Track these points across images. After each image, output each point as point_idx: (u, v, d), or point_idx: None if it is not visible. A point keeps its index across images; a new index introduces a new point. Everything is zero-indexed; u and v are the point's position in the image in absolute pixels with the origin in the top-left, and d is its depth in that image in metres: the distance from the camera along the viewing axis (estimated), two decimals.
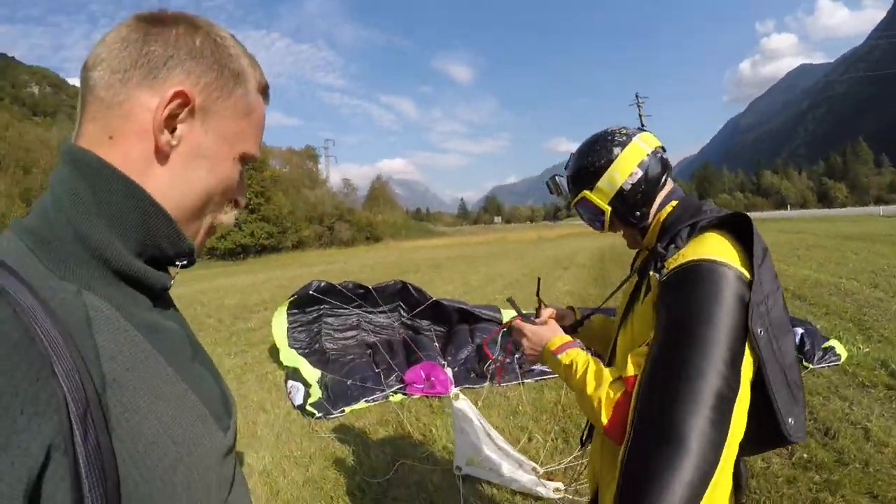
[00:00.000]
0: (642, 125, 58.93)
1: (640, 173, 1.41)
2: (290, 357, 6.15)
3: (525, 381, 5.50)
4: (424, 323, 7.04)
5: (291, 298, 6.51)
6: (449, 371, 5.62)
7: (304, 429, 4.60)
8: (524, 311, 1.74)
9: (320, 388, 5.41)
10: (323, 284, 6.55)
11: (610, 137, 1.46)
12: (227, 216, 0.79)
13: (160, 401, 0.60)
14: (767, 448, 1.35)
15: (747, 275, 1.17)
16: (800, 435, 1.19)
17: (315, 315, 6.73)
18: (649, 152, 1.43)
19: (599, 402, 1.23)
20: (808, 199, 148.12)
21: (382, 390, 5.29)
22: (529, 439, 4.12)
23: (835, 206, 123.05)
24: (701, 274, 1.17)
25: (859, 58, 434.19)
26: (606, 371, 1.29)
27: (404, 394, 5.29)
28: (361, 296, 6.81)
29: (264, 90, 0.79)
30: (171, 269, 0.74)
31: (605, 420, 1.21)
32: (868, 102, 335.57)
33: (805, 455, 3.62)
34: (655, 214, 1.46)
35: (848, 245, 16.87)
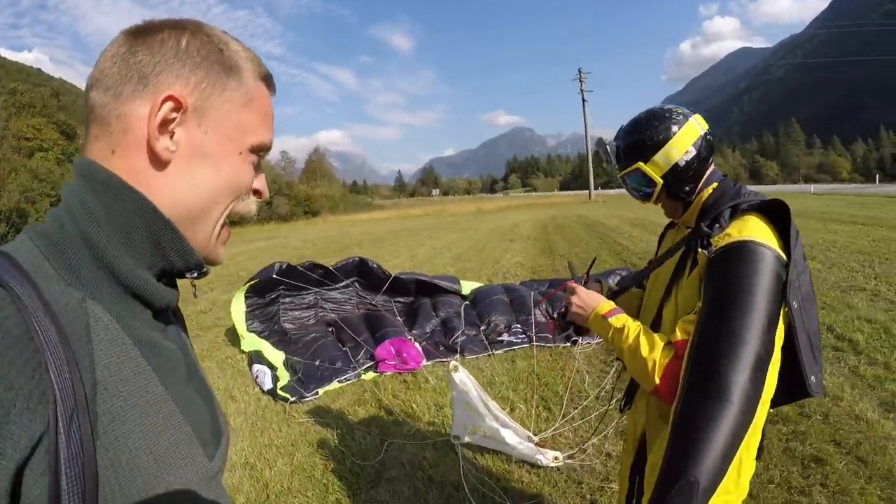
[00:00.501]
0: (584, 100, 59.73)
1: (694, 152, 1.51)
2: (250, 340, 5.97)
3: (495, 352, 5.56)
4: (381, 299, 6.98)
5: (252, 283, 6.28)
6: (417, 345, 5.62)
7: (279, 415, 4.48)
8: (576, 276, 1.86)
9: (287, 370, 5.27)
10: (284, 266, 6.35)
11: (668, 115, 1.53)
12: (246, 204, 0.76)
13: (147, 416, 0.60)
14: (791, 401, 1.51)
15: (783, 255, 1.32)
16: (818, 390, 1.39)
17: (272, 297, 6.54)
18: (702, 133, 1.52)
19: (654, 364, 1.36)
20: (740, 176, 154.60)
21: (354, 369, 5.22)
22: (512, 409, 4.16)
23: (765, 183, 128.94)
24: (745, 253, 1.30)
25: (798, 45, 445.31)
26: (657, 336, 1.40)
27: (376, 371, 5.24)
28: (322, 275, 6.65)
29: (266, 78, 0.77)
30: (188, 278, 0.75)
31: (657, 380, 1.35)
32: (803, 88, 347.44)
33: (771, 410, 3.82)
34: (697, 192, 1.56)
35: None
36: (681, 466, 1.20)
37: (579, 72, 60.35)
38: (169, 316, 0.76)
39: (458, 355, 5.52)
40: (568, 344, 5.61)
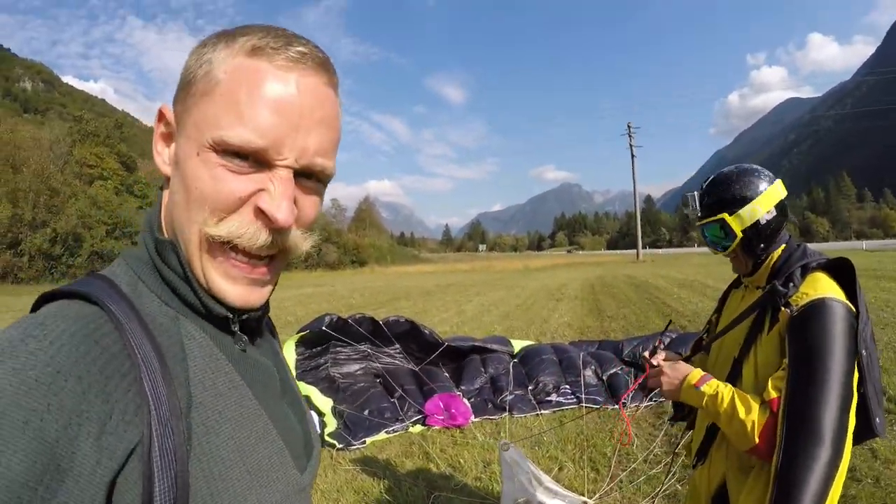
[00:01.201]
0: (633, 155, 59.55)
1: (775, 213, 1.64)
2: (298, 385, 6.08)
3: (543, 411, 5.53)
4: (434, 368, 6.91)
5: (302, 334, 6.41)
6: (466, 401, 5.64)
7: (325, 461, 4.54)
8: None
9: (335, 417, 5.35)
10: (335, 319, 6.37)
11: (757, 174, 1.66)
12: (244, 231, 0.60)
13: (241, 430, 0.62)
14: (860, 441, 1.56)
15: (852, 308, 1.46)
16: (882, 431, 1.52)
17: (322, 348, 6.60)
18: (783, 197, 1.65)
19: (753, 424, 1.45)
20: (790, 234, 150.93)
21: (402, 421, 5.27)
22: (560, 469, 4.14)
23: (816, 241, 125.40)
24: (824, 310, 1.43)
25: (847, 93, 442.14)
26: (750, 397, 1.49)
27: (424, 425, 5.28)
28: (372, 332, 6.61)
29: (258, 49, 0.60)
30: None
31: (756, 441, 1.44)
32: (853, 138, 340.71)
33: None
34: (770, 251, 1.66)
35: None
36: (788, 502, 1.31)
37: (628, 127, 60.18)
38: (263, 331, 0.78)
39: (506, 413, 5.51)
40: (616, 406, 5.55)
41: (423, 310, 15.53)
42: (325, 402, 5.60)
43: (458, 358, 6.90)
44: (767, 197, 1.62)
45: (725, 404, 1.51)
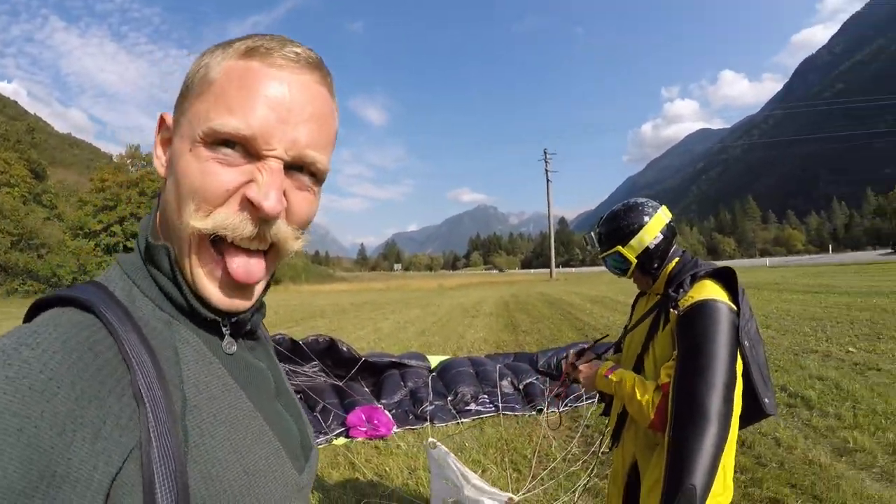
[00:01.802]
0: (548, 179, 61.31)
1: (661, 237, 1.92)
2: None
3: (463, 420, 5.71)
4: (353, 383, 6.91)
5: None
6: (388, 413, 5.74)
7: None
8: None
9: None
10: None
11: (641, 207, 1.95)
12: (228, 222, 0.60)
13: (237, 431, 0.62)
14: (754, 421, 1.86)
15: (734, 307, 1.70)
16: (773, 410, 1.77)
17: None
18: (667, 222, 1.94)
19: (648, 403, 1.70)
20: (698, 252, 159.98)
21: (325, 434, 5.30)
22: (483, 471, 4.32)
23: (723, 258, 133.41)
24: (706, 309, 1.66)
25: (754, 125, 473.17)
26: (648, 382, 1.75)
27: (347, 437, 5.33)
28: (291, 350, 6.59)
29: (250, 52, 0.63)
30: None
31: (651, 416, 1.69)
32: (759, 166, 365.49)
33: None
34: (664, 267, 1.93)
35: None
36: (681, 478, 1.49)
37: (545, 152, 62.20)
38: (256, 334, 0.79)
39: (427, 423, 5.65)
40: (534, 413, 5.82)
41: (340, 327, 15.46)
42: None
43: (377, 373, 6.99)
44: (652, 226, 1.90)
45: (628, 388, 1.77)
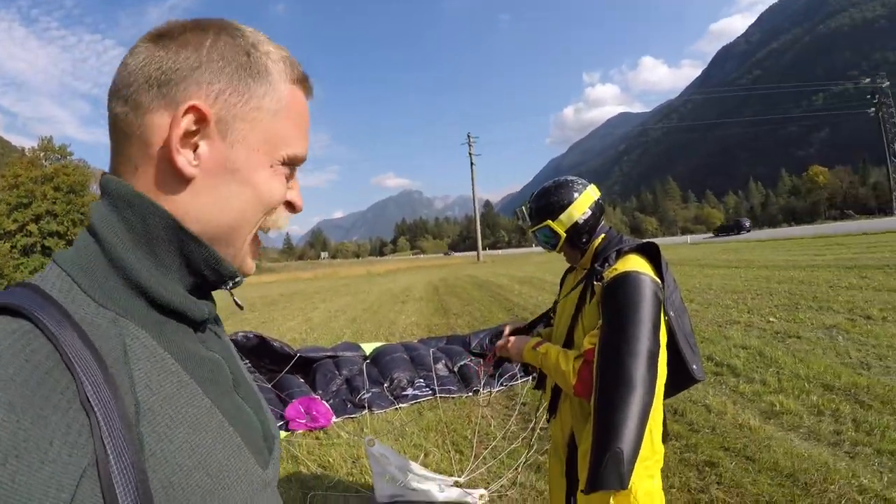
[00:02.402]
0: (472, 163, 61.73)
1: (590, 213, 2.00)
2: None
3: (401, 405, 5.78)
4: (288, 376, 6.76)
5: None
6: (326, 403, 5.74)
7: None
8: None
9: None
10: None
11: (571, 184, 2.03)
12: (275, 219, 0.71)
13: (196, 432, 0.58)
14: (685, 387, 1.97)
15: (658, 280, 1.76)
16: (701, 375, 1.87)
17: None
18: (595, 199, 2.03)
19: (569, 371, 1.77)
20: (621, 231, 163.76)
21: None
22: (426, 455, 4.40)
23: (646, 237, 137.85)
24: (630, 280, 1.72)
25: (673, 109, 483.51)
26: (570, 352, 1.84)
27: (287, 430, 5.30)
28: None
29: (301, 81, 0.72)
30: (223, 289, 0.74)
31: (573, 382, 1.76)
32: (679, 148, 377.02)
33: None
34: (591, 242, 2.02)
35: None
36: (607, 441, 1.54)
37: (468, 136, 62.38)
38: (208, 327, 0.74)
39: (366, 411, 5.69)
40: (470, 394, 5.95)
41: (270, 319, 15.23)
42: None
43: (311, 364, 6.92)
44: (581, 202, 1.99)
45: (553, 359, 1.86)
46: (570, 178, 2.09)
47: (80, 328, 0.53)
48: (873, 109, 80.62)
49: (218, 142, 0.63)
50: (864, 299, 9.13)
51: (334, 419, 5.50)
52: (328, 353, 7.01)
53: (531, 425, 3.96)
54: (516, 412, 5.11)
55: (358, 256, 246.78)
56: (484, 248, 61.89)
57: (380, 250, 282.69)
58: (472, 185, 63.15)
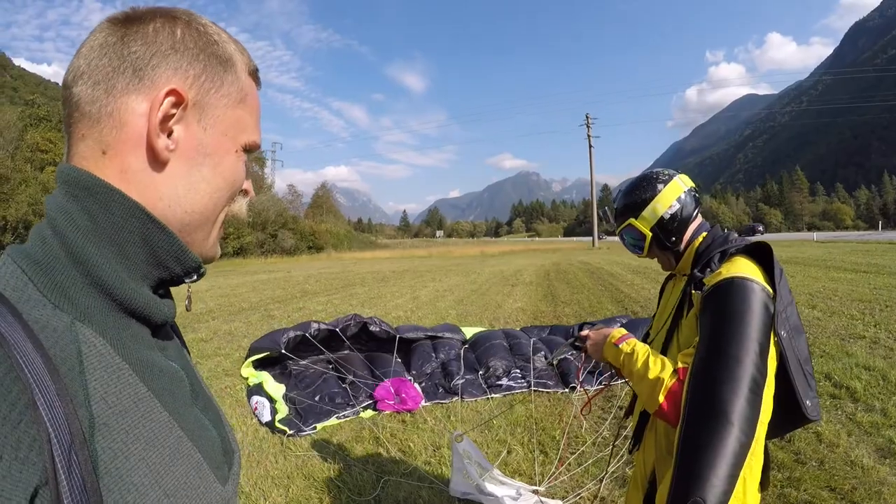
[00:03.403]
0: (590, 146, 60.64)
1: (678, 206, 1.71)
2: (251, 372, 6.01)
3: (493, 395, 5.59)
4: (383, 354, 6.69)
5: (258, 357, 6.02)
6: (417, 386, 5.67)
7: (276, 447, 4.50)
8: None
9: (286, 403, 5.31)
10: (291, 336, 5.99)
11: (655, 176, 1.76)
12: (240, 207, 0.74)
13: (152, 448, 0.55)
14: (793, 427, 1.64)
15: (770, 289, 1.45)
16: (815, 414, 1.50)
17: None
18: (685, 190, 1.73)
19: (660, 384, 1.47)
20: (743, 224, 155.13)
21: (353, 406, 5.26)
22: (508, 452, 4.20)
23: (769, 231, 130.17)
24: (735, 287, 1.43)
25: (802, 91, 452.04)
26: (665, 359, 1.52)
27: (375, 410, 5.28)
28: (327, 340, 6.29)
29: (254, 73, 0.74)
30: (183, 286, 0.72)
31: (661, 400, 1.46)
32: (807, 135, 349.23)
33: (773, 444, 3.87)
34: (689, 243, 1.73)
35: (785, 269, 18.03)
36: (688, 488, 1.27)
37: (586, 117, 61.25)
38: (168, 331, 0.71)
39: (456, 398, 5.55)
40: (566, 390, 5.65)
41: (378, 295, 15.52)
42: (277, 389, 5.55)
43: (409, 344, 6.89)
44: (666, 194, 1.71)
45: (640, 363, 1.55)
46: (656, 169, 1.81)
47: (31, 331, 0.50)
48: None
49: (193, 126, 0.64)
50: None
51: (423, 403, 5.42)
52: (428, 334, 6.93)
53: (622, 433, 3.61)
54: (611, 416, 4.76)
55: (473, 236, 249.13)
56: (600, 235, 60.36)
57: (495, 231, 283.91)
58: (591, 167, 61.74)
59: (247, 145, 0.71)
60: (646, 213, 1.73)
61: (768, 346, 1.39)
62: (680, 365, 1.48)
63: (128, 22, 0.63)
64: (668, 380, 1.46)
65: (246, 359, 6.21)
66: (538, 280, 18.83)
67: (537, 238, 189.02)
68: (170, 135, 0.62)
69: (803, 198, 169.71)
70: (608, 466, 3.44)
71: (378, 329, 6.47)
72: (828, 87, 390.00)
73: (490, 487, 3.27)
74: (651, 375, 1.49)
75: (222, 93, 0.67)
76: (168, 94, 0.60)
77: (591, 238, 64.93)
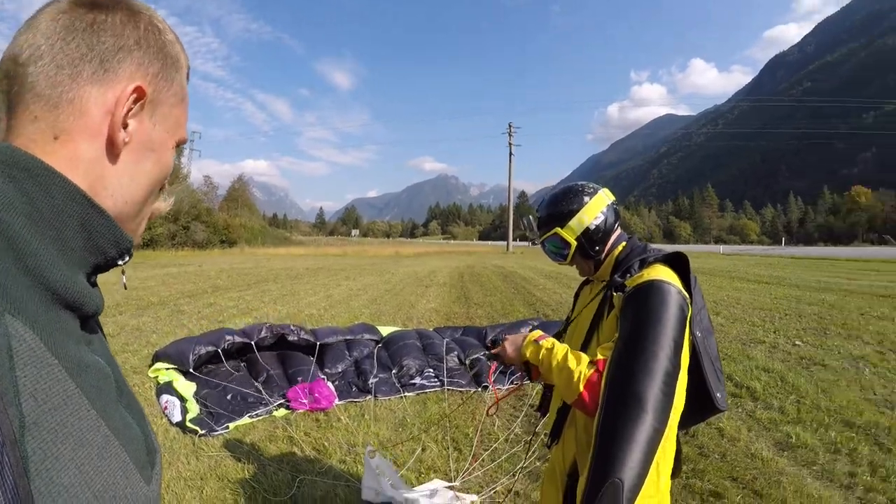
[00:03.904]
0: (511, 153, 61.84)
1: (602, 217, 1.83)
2: (160, 370, 5.82)
3: (407, 394, 5.69)
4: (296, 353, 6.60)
5: (171, 368, 5.82)
6: (330, 385, 5.69)
7: (188, 447, 4.38)
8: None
9: (197, 402, 5.19)
10: (202, 353, 5.87)
11: (580, 188, 1.87)
12: (165, 203, 0.77)
13: (82, 448, 0.52)
14: (706, 417, 1.79)
15: (686, 294, 1.60)
16: (724, 405, 1.69)
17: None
18: (608, 203, 1.86)
19: (579, 374, 1.58)
20: (654, 235, 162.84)
21: (266, 405, 5.21)
22: (423, 449, 4.29)
23: (678, 243, 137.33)
24: (655, 289, 1.57)
25: (719, 115, 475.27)
26: (582, 354, 1.64)
27: (288, 409, 5.25)
28: (241, 351, 6.29)
29: (188, 70, 0.77)
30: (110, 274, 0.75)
31: (581, 389, 1.56)
32: (720, 156, 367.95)
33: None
34: (609, 252, 1.86)
35: None
36: (606, 470, 1.37)
37: (509, 126, 62.53)
38: (93, 324, 0.67)
39: (370, 396, 5.61)
40: (479, 389, 5.83)
41: (291, 292, 15.26)
42: (187, 388, 5.41)
43: (325, 345, 6.87)
44: (592, 206, 1.83)
45: (559, 356, 1.65)
46: (580, 182, 1.93)
47: None
48: None
49: (146, 122, 0.67)
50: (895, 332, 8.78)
51: (337, 402, 5.44)
52: (346, 338, 6.90)
53: (533, 432, 3.78)
54: (523, 413, 4.97)
55: (388, 236, 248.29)
56: (515, 240, 61.78)
57: (411, 232, 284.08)
58: (510, 174, 62.92)
59: (179, 141, 0.74)
60: (572, 223, 1.83)
61: (682, 343, 1.52)
62: (599, 357, 1.59)
63: (94, 8, 0.63)
64: (587, 370, 1.57)
65: (151, 365, 6.01)
66: (452, 282, 19.08)
67: (452, 241, 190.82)
68: (126, 127, 0.64)
69: (712, 213, 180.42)
70: (523, 462, 3.62)
71: (297, 338, 6.43)
72: (743, 113, 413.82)
73: (406, 494, 3.33)
74: (571, 366, 1.59)
75: (171, 91, 0.70)
76: (136, 90, 0.63)
77: (505, 242, 66.25)
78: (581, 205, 1.84)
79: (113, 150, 0.63)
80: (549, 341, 1.75)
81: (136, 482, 0.60)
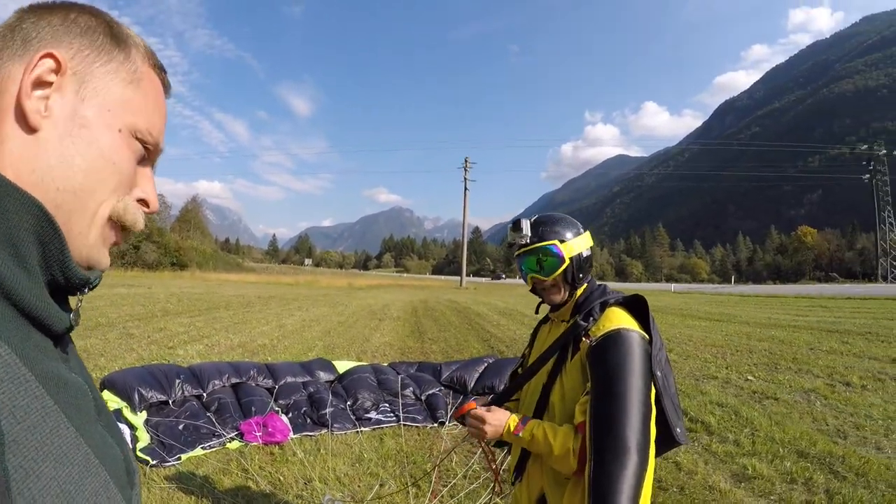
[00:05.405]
0: (466, 188, 62.28)
1: (589, 252, 1.94)
2: (111, 397, 5.66)
3: (363, 428, 5.67)
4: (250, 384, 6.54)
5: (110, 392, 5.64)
6: (284, 418, 5.62)
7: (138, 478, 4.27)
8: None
9: (148, 431, 5.06)
10: (153, 402, 5.66)
11: (575, 221, 1.96)
12: (132, 213, 0.68)
13: (63, 466, 0.51)
14: (666, 450, 1.85)
15: (647, 336, 1.70)
16: (684, 438, 1.76)
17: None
18: (590, 245, 1.96)
19: (567, 453, 1.65)
20: (606, 273, 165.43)
21: (219, 436, 5.11)
22: (382, 485, 4.27)
23: (630, 281, 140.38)
24: (619, 338, 1.66)
25: (670, 156, 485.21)
26: (560, 429, 1.71)
27: (242, 441, 5.17)
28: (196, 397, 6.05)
29: (159, 69, 0.73)
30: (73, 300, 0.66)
31: (575, 465, 1.64)
32: (671, 196, 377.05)
33: None
34: (572, 292, 1.93)
35: None
36: None
37: (465, 160, 62.95)
38: (67, 342, 0.66)
39: (326, 429, 5.56)
40: (435, 425, 5.85)
41: (243, 321, 15.01)
42: (137, 417, 5.27)
43: (278, 377, 6.82)
44: (584, 238, 1.93)
45: (542, 443, 1.70)
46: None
47: None
48: (867, 176, 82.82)
49: (70, 95, 0.62)
50: (844, 365, 9.15)
51: (292, 435, 5.38)
52: (306, 380, 6.84)
53: (493, 466, 3.82)
54: (480, 451, 5.00)
55: (342, 267, 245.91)
56: (468, 275, 62.01)
57: (364, 264, 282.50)
58: (464, 209, 63.44)
59: (137, 131, 0.67)
60: (572, 242, 1.88)
61: (650, 383, 1.63)
62: (579, 419, 1.65)
63: (30, 9, 0.64)
64: (574, 444, 1.65)
65: (100, 391, 5.83)
66: (406, 316, 19.06)
67: (406, 274, 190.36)
68: (47, 102, 0.60)
69: (664, 252, 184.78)
70: (484, 497, 3.64)
71: (255, 384, 6.40)
72: (694, 155, 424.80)
73: None
74: (557, 451, 1.66)
75: (108, 68, 0.65)
76: (43, 56, 0.59)
77: (458, 277, 66.42)
78: (579, 232, 1.92)
79: (27, 121, 0.58)
80: (527, 430, 1.77)
81: (118, 502, 0.59)
